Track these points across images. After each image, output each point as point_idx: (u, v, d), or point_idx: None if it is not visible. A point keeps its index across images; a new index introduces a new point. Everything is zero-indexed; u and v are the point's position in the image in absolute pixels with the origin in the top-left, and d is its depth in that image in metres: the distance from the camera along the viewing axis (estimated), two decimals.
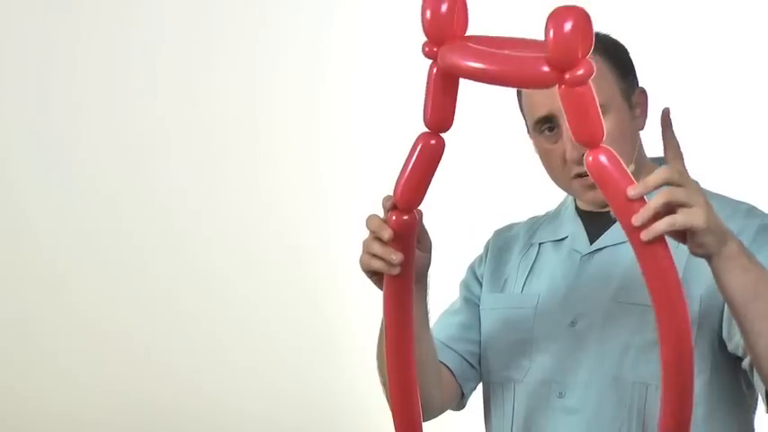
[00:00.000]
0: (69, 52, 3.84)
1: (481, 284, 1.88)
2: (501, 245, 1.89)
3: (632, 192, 1.32)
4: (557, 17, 1.26)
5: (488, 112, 3.49)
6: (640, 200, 1.33)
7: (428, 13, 1.36)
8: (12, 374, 3.87)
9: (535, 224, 1.88)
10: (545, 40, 1.27)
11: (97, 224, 3.83)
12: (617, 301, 1.68)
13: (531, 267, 1.81)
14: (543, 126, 1.71)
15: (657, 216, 1.32)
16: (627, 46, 1.78)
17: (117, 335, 3.80)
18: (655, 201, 1.33)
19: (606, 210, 1.74)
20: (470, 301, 1.89)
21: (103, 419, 3.80)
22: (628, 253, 1.65)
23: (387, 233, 1.49)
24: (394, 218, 1.50)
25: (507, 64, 1.32)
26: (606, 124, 1.64)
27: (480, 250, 1.95)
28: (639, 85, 1.76)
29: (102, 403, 3.80)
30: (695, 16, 3.23)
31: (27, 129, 3.88)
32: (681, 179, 1.36)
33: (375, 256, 1.52)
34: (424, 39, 1.38)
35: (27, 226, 3.87)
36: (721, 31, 3.21)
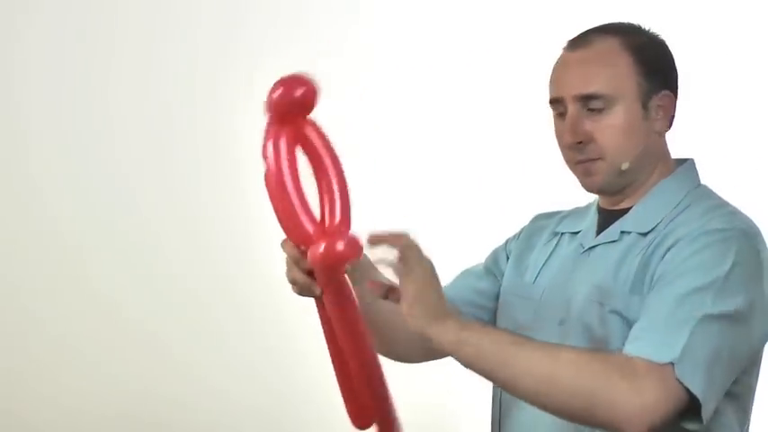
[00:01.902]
0: (100, 50, 3.86)
1: (508, 260, 1.90)
2: (533, 231, 1.90)
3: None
4: (330, 240, 1.42)
5: (489, 113, 3.49)
6: None
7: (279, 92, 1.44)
8: (33, 372, 3.88)
9: (568, 215, 1.88)
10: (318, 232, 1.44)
11: (121, 222, 3.85)
12: (587, 300, 1.69)
13: (548, 258, 1.82)
14: (557, 108, 1.73)
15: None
16: None
17: (138, 332, 3.81)
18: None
19: (618, 207, 1.75)
20: (491, 272, 1.91)
21: (122, 416, 3.81)
22: (615, 252, 1.70)
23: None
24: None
25: (286, 213, 1.47)
26: (610, 118, 1.68)
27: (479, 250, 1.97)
28: (669, 89, 1.74)
29: (114, 394, 3.82)
30: (703, 17, 3.21)
31: (50, 123, 3.89)
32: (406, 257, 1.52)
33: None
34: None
35: (51, 224, 3.89)
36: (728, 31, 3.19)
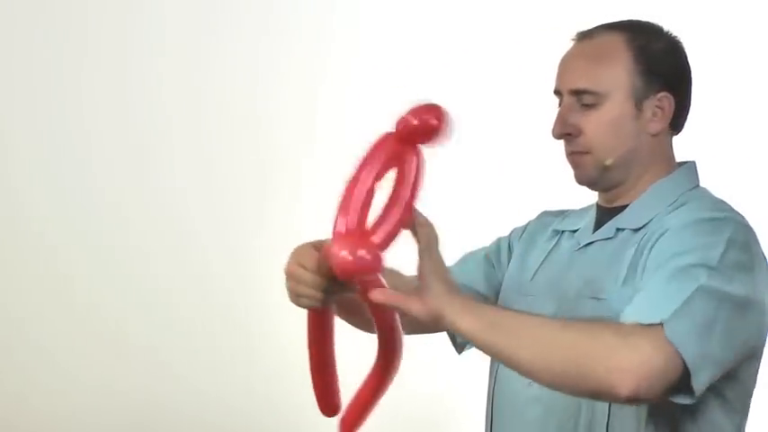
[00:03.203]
0: (76, 51, 3.85)
1: (510, 254, 1.91)
2: (537, 229, 1.91)
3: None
4: None
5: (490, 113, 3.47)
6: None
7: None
8: (12, 374, 3.87)
9: (570, 213, 1.89)
10: None
11: (100, 224, 3.84)
12: (578, 295, 1.71)
13: (546, 256, 1.83)
14: (559, 99, 1.76)
15: None
16: None
17: (117, 333, 3.81)
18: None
19: (614, 205, 1.77)
20: (490, 262, 1.92)
21: (104, 419, 3.80)
22: (609, 248, 1.71)
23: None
24: None
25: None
26: (599, 113, 1.71)
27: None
28: (671, 91, 1.74)
29: (102, 402, 3.80)
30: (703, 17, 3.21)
31: (32, 128, 3.88)
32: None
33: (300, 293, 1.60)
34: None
35: (30, 225, 3.88)
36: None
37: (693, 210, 1.67)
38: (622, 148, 1.72)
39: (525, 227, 1.93)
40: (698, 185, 1.77)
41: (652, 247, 1.63)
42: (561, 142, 1.75)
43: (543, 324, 1.51)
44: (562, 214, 1.89)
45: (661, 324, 1.48)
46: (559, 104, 1.75)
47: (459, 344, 1.93)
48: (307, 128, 3.70)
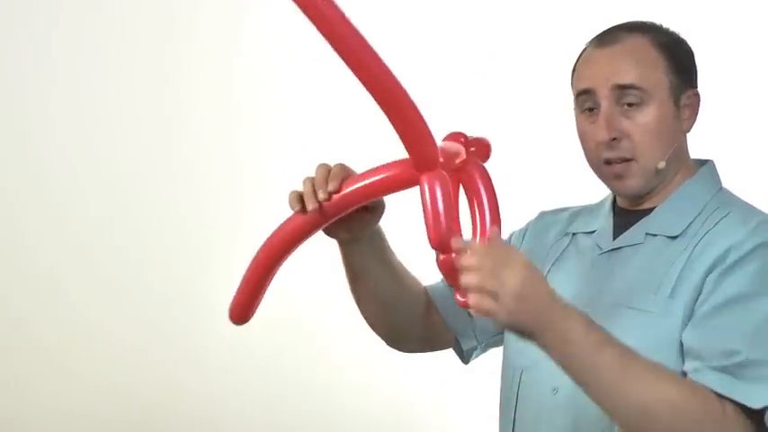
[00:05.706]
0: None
1: None
2: (540, 228, 1.87)
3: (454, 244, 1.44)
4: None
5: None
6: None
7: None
8: (10, 373, 3.88)
9: (578, 213, 1.85)
10: None
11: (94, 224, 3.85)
12: (613, 304, 1.65)
13: (558, 257, 1.79)
14: (585, 103, 1.70)
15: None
16: None
17: (113, 334, 3.81)
18: (467, 281, 1.40)
19: (640, 208, 1.73)
20: None
21: (98, 418, 3.80)
22: (642, 255, 1.67)
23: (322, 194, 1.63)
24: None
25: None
26: (645, 114, 1.66)
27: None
28: (696, 88, 1.72)
29: (97, 402, 3.81)
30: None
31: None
32: (487, 268, 1.40)
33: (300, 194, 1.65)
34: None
35: (19, 228, 3.89)
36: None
37: (742, 226, 1.62)
38: (668, 149, 1.68)
39: (525, 229, 1.89)
40: (721, 188, 1.74)
41: (709, 268, 1.59)
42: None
43: (646, 382, 1.47)
44: (563, 212, 1.86)
45: (764, 410, 1.51)
46: (587, 108, 1.70)
47: (466, 353, 1.90)
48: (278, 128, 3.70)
